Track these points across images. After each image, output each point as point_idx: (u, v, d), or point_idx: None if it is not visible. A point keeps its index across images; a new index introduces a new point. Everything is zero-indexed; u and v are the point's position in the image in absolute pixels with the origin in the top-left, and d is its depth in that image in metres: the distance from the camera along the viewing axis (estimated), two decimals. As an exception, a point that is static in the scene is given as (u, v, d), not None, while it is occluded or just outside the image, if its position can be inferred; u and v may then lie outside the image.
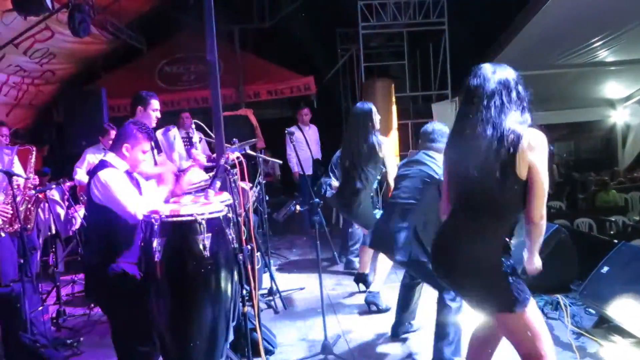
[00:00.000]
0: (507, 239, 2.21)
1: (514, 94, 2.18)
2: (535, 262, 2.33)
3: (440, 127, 3.54)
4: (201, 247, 2.51)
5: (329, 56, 10.51)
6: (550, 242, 4.39)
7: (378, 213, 4.50)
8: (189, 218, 2.52)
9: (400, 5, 8.63)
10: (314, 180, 7.19)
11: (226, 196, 2.99)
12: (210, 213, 2.57)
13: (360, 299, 4.64)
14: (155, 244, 2.49)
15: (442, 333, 3.22)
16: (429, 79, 9.65)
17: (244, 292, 2.70)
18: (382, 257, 4.42)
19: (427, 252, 3.24)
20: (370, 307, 4.42)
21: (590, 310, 3.96)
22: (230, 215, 2.74)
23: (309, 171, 7.10)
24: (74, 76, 7.97)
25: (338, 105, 11.12)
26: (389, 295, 4.43)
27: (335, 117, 10.57)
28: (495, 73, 2.22)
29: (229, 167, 2.83)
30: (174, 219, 2.54)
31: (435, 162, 3.37)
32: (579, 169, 12.69)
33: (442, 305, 3.25)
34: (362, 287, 4.88)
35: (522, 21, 7.59)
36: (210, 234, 2.53)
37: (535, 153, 2.09)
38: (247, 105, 8.51)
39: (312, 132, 7.39)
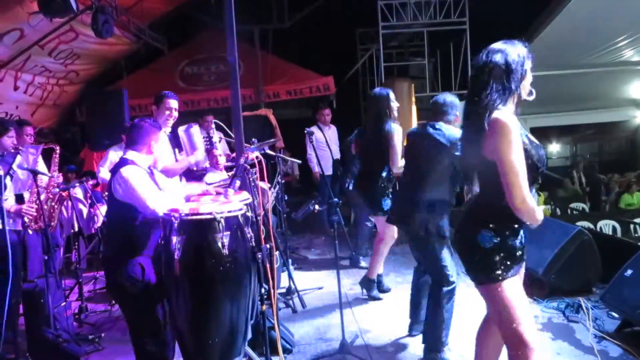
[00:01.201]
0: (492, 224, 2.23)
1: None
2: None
3: (452, 98, 3.53)
4: (220, 245, 2.53)
5: (348, 56, 10.50)
6: (572, 244, 4.34)
7: (387, 200, 4.51)
8: (208, 216, 2.55)
9: (420, 5, 8.59)
10: (334, 180, 7.20)
11: (245, 195, 3.02)
12: (229, 212, 2.60)
13: (379, 299, 4.67)
14: (174, 241, 2.52)
15: (434, 319, 3.31)
16: (449, 79, 9.58)
17: (263, 290, 2.71)
18: (379, 246, 4.54)
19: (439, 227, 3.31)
20: (363, 291, 4.69)
21: (612, 313, 3.89)
22: (249, 214, 2.76)
23: (328, 171, 7.09)
24: (97, 77, 8.11)
25: (357, 106, 11.10)
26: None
27: (355, 117, 10.56)
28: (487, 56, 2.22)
29: (248, 167, 2.85)
30: (194, 217, 2.57)
31: (442, 133, 3.35)
32: (603, 170, 12.48)
33: (436, 291, 3.33)
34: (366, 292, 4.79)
35: (545, 20, 7.48)
36: (228, 232, 2.56)
37: (495, 137, 2.08)
38: (267, 105, 8.54)
39: (332, 132, 7.39)
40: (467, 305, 3.96)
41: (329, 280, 5.33)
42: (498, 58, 2.15)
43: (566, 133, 15.05)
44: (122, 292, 2.82)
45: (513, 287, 2.23)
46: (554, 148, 16.26)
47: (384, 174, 4.55)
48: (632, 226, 7.57)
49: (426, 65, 9.02)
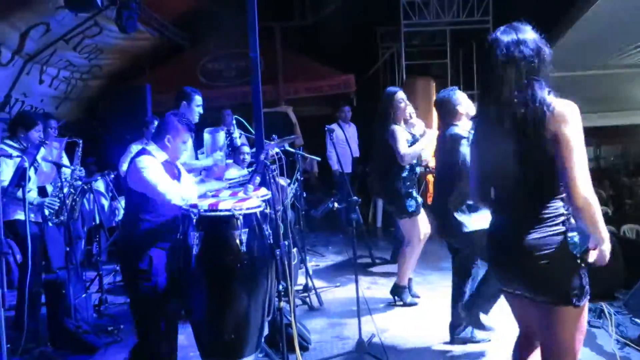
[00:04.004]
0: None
1: None
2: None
3: (458, 94, 3.55)
4: (238, 242, 2.54)
5: (369, 54, 10.44)
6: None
7: (412, 201, 4.37)
8: (227, 213, 2.55)
9: (443, 3, 8.50)
10: (353, 178, 7.18)
11: (264, 192, 3.02)
12: (247, 208, 2.60)
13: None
14: (192, 237, 2.53)
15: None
16: (471, 79, 9.46)
17: (280, 287, 2.71)
18: (407, 250, 4.41)
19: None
20: (395, 299, 4.49)
21: (636, 320, 3.80)
22: (267, 211, 2.76)
23: (348, 169, 7.09)
24: (119, 71, 8.19)
25: (377, 104, 11.01)
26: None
27: (375, 116, 10.49)
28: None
29: (269, 163, 2.85)
30: (212, 213, 2.57)
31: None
32: (627, 173, 12.23)
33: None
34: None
35: (571, 20, 7.34)
36: (247, 229, 2.56)
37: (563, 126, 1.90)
38: (287, 102, 8.55)
39: (352, 130, 7.37)
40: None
41: (346, 279, 5.32)
42: (522, 48, 1.97)
43: (589, 135, 14.74)
44: (133, 284, 2.85)
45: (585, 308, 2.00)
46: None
47: (404, 174, 4.36)
48: (656, 231, 7.39)
49: (448, 64, 8.91)
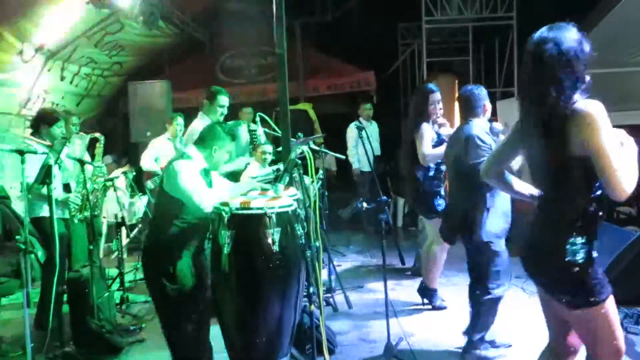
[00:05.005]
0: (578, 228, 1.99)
1: None
2: None
3: (480, 90, 3.48)
4: (270, 241, 2.45)
5: (390, 51, 10.32)
6: (631, 251, 4.11)
7: (440, 199, 4.28)
8: (259, 211, 2.47)
9: (466, -1, 8.36)
10: (373, 177, 7.06)
11: (293, 191, 2.94)
12: (280, 207, 2.52)
13: (422, 303, 4.52)
14: (224, 236, 2.45)
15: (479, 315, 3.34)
16: (493, 76, 9.31)
17: (311, 289, 2.63)
18: (436, 251, 4.32)
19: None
20: (424, 301, 4.44)
21: (675, 326, 3.66)
22: (299, 210, 2.68)
23: (368, 168, 6.98)
24: (140, 68, 8.18)
25: (398, 101, 10.91)
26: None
27: (395, 113, 10.38)
28: None
29: (299, 162, 2.77)
30: (244, 211, 2.49)
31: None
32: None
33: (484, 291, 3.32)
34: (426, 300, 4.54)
35: (597, 17, 7.18)
36: (279, 229, 2.48)
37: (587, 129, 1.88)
38: (307, 99, 8.47)
39: (373, 128, 7.25)
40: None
41: (369, 279, 5.23)
42: (557, 47, 1.94)
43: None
44: (158, 287, 2.79)
45: (613, 303, 1.99)
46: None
47: (430, 173, 4.27)
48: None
49: (470, 61, 8.76)
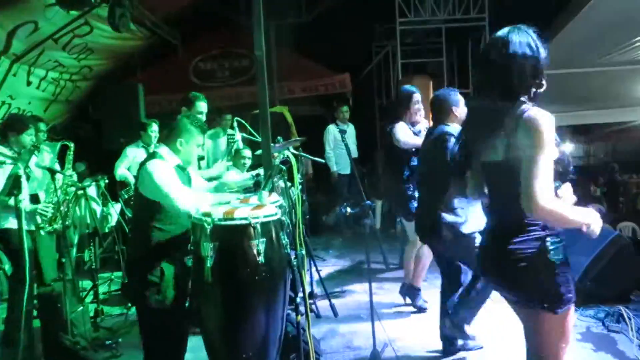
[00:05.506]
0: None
1: None
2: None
3: (454, 94, 3.47)
4: (255, 252, 2.36)
5: (364, 53, 10.30)
6: (610, 249, 4.16)
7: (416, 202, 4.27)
8: (243, 222, 2.37)
9: (439, 0, 8.39)
10: (351, 180, 7.03)
11: (275, 197, 2.85)
12: (264, 217, 2.42)
13: (404, 305, 4.50)
14: (207, 248, 2.35)
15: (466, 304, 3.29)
16: (466, 76, 9.38)
17: (298, 299, 2.54)
18: (420, 251, 4.31)
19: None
20: (406, 300, 4.43)
21: (656, 324, 3.70)
22: (283, 218, 2.59)
23: (346, 170, 6.94)
24: (110, 72, 7.95)
25: (372, 103, 10.91)
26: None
27: (370, 115, 10.36)
28: None
29: (283, 167, 2.68)
30: (228, 222, 2.39)
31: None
32: (618, 170, 12.26)
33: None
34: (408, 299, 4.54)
35: (566, 19, 7.31)
36: (264, 239, 2.39)
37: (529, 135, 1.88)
38: (282, 102, 8.37)
39: (350, 131, 7.20)
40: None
41: (350, 283, 5.17)
42: (513, 50, 1.93)
43: (580, 133, 14.83)
44: (142, 297, 2.68)
45: (573, 313, 2.01)
46: (567, 148, 16.06)
47: (405, 175, 4.26)
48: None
49: (444, 62, 8.80)
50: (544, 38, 1.99)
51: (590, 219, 1.89)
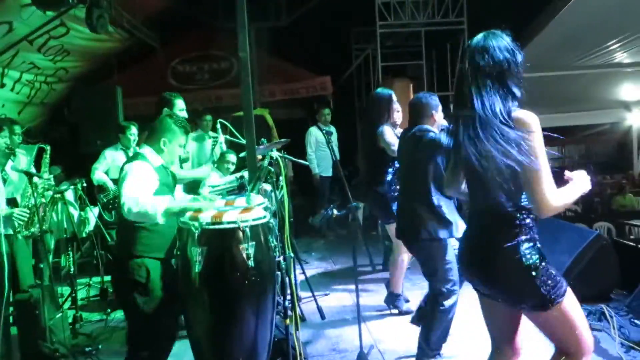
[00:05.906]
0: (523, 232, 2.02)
1: None
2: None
3: (433, 98, 3.47)
4: (245, 256, 2.32)
5: (344, 56, 10.32)
6: (591, 249, 4.22)
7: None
8: (232, 225, 2.33)
9: (418, 4, 8.44)
10: (333, 182, 7.02)
11: (261, 199, 2.81)
12: (254, 220, 2.39)
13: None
14: (195, 253, 2.30)
15: (431, 324, 3.27)
16: (445, 80, 9.47)
17: (286, 302, 2.51)
18: (399, 258, 4.30)
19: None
20: (390, 307, 4.39)
21: (636, 321, 3.77)
22: (271, 221, 2.56)
23: (328, 172, 6.93)
24: (87, 74, 7.81)
25: (352, 106, 10.93)
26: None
27: (350, 118, 10.38)
28: None
29: (271, 169, 2.65)
30: (216, 226, 2.35)
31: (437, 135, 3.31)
32: (592, 171, 12.49)
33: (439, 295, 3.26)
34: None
35: (543, 22, 7.45)
36: (253, 243, 2.35)
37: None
38: (262, 104, 8.33)
39: (333, 133, 7.20)
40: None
41: (334, 286, 5.16)
42: (490, 56, 1.96)
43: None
44: (128, 298, 2.62)
45: (572, 298, 2.00)
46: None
47: (387, 178, 4.26)
48: (627, 228, 7.55)
49: (424, 65, 8.86)
50: (519, 42, 2.02)
51: (585, 187, 2.00)
